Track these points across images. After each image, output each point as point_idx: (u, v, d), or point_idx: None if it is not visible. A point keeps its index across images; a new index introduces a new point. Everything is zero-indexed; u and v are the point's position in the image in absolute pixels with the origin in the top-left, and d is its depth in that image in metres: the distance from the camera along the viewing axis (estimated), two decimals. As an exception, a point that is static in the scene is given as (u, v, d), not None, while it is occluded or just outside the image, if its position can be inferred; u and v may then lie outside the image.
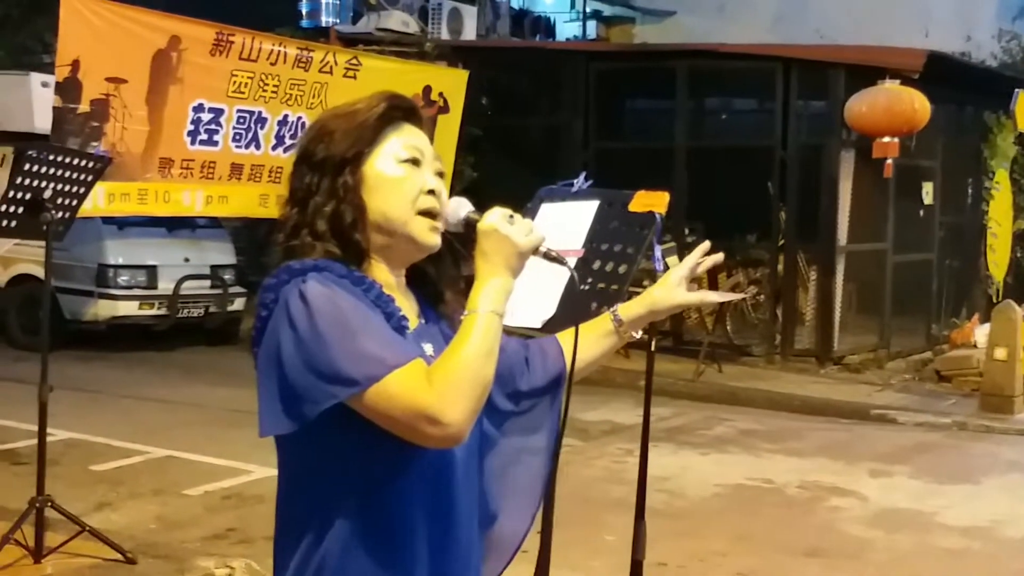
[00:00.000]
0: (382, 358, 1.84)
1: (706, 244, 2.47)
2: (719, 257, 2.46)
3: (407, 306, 2.04)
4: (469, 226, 2.02)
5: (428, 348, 2.03)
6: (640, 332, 2.41)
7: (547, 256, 2.02)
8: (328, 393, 1.84)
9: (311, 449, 1.93)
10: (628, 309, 2.37)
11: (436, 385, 1.83)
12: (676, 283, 2.38)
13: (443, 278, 2.14)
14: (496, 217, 1.97)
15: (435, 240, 2.03)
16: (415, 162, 2.02)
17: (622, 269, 3.29)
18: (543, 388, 2.28)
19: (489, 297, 1.93)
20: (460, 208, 2.04)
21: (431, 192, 2.02)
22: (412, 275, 2.11)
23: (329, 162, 2.00)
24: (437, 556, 1.99)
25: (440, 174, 2.07)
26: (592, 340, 2.32)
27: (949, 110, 13.63)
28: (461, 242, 2.09)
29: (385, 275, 2.02)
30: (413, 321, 2.04)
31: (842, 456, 8.83)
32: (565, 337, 2.35)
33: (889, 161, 11.55)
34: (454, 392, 1.83)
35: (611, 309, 2.37)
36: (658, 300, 2.37)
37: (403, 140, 2.03)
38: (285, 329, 1.87)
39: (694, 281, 2.43)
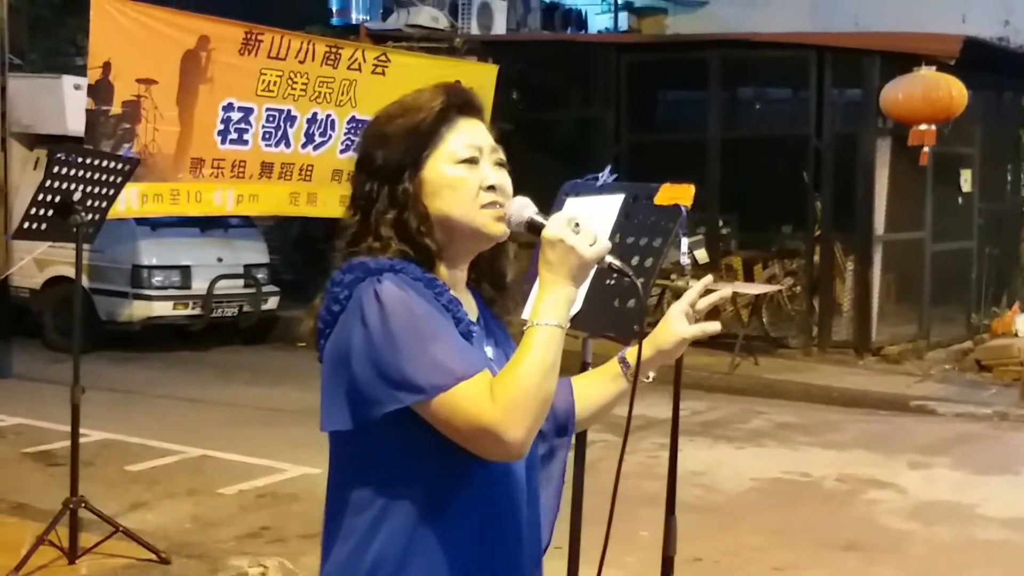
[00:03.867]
0: (451, 368, 1.84)
1: (708, 278, 2.37)
2: (726, 292, 2.39)
3: (469, 306, 2.04)
4: (532, 229, 2.00)
5: (489, 351, 2.04)
6: (651, 376, 2.31)
7: (611, 268, 1.99)
8: (394, 397, 1.85)
9: (375, 444, 1.93)
10: (635, 352, 2.27)
11: (499, 401, 1.83)
12: (675, 318, 2.28)
13: (502, 276, 2.14)
14: (561, 226, 1.94)
15: (502, 229, 2.02)
16: (473, 160, 2.01)
17: (648, 263, 3.24)
18: (546, 433, 2.19)
19: (552, 308, 1.92)
20: (524, 209, 2.02)
21: (491, 188, 2.01)
22: (470, 273, 2.10)
23: (387, 169, 1.99)
24: (499, 558, 1.99)
25: (500, 163, 2.04)
26: (598, 384, 2.28)
27: (987, 96, 13.45)
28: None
29: (448, 274, 2.02)
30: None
31: (881, 448, 8.73)
32: (579, 381, 2.31)
33: (926, 149, 11.42)
34: (516, 410, 1.83)
35: (619, 355, 2.30)
36: (660, 338, 2.28)
37: (460, 139, 2.01)
38: (357, 327, 1.88)
39: (717, 282, 2.35)
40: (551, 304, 1.92)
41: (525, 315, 2.23)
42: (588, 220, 1.98)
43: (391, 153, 1.99)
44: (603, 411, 2.30)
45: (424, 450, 1.91)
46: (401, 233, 1.97)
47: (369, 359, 1.86)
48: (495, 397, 1.84)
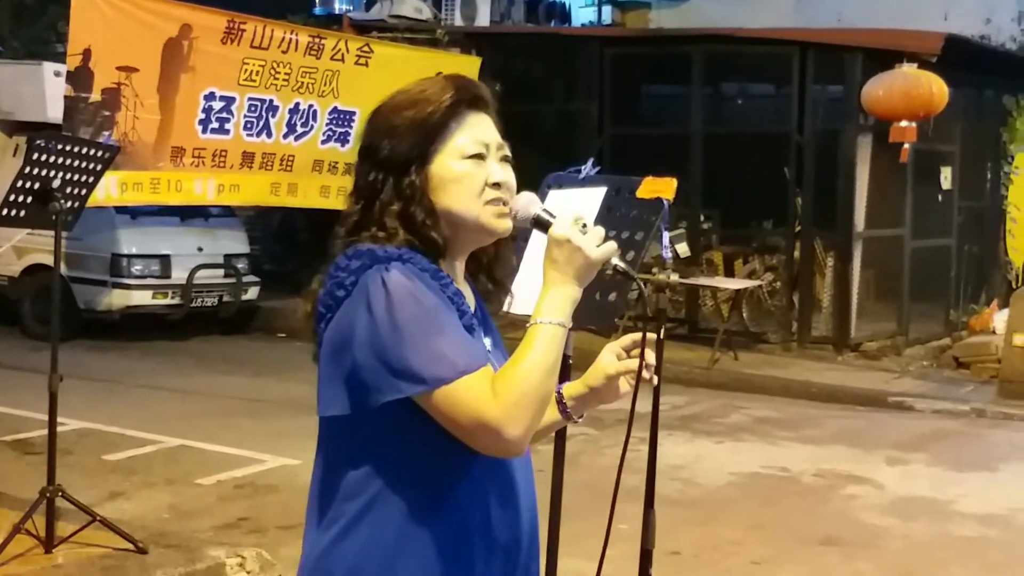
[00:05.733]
0: (454, 361, 1.85)
1: (633, 336, 2.19)
2: (649, 359, 2.17)
3: (468, 298, 2.04)
4: (539, 226, 2.01)
5: (487, 342, 2.04)
6: (582, 417, 2.27)
7: (616, 270, 1.99)
8: (394, 386, 1.86)
9: (372, 431, 1.93)
10: (570, 387, 2.26)
11: (501, 397, 1.84)
12: (605, 356, 2.21)
13: (506, 269, 2.14)
14: (569, 225, 1.94)
15: (506, 226, 2.02)
16: (480, 156, 2.01)
17: (630, 256, 3.25)
18: None
19: (556, 307, 1.92)
20: (531, 205, 2.02)
21: (496, 185, 2.01)
22: (468, 265, 2.11)
23: (393, 161, 1.99)
24: (497, 553, 1.99)
25: (506, 159, 2.05)
26: None
27: (968, 94, 13.51)
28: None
29: (448, 267, 2.02)
30: None
31: (859, 444, 8.77)
32: None
33: (906, 146, 11.45)
34: (517, 407, 1.84)
35: (557, 388, 2.23)
36: (590, 376, 2.23)
37: (468, 134, 2.01)
38: (363, 314, 1.88)
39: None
40: (555, 303, 1.93)
41: (507, 308, 2.22)
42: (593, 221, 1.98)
43: (398, 145, 1.99)
44: (537, 435, 2.23)
45: (421, 441, 1.92)
46: (407, 225, 1.97)
47: (372, 347, 1.86)
48: (497, 393, 1.84)
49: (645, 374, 2.13)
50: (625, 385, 2.19)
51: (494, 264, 2.13)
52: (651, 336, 2.21)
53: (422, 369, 1.84)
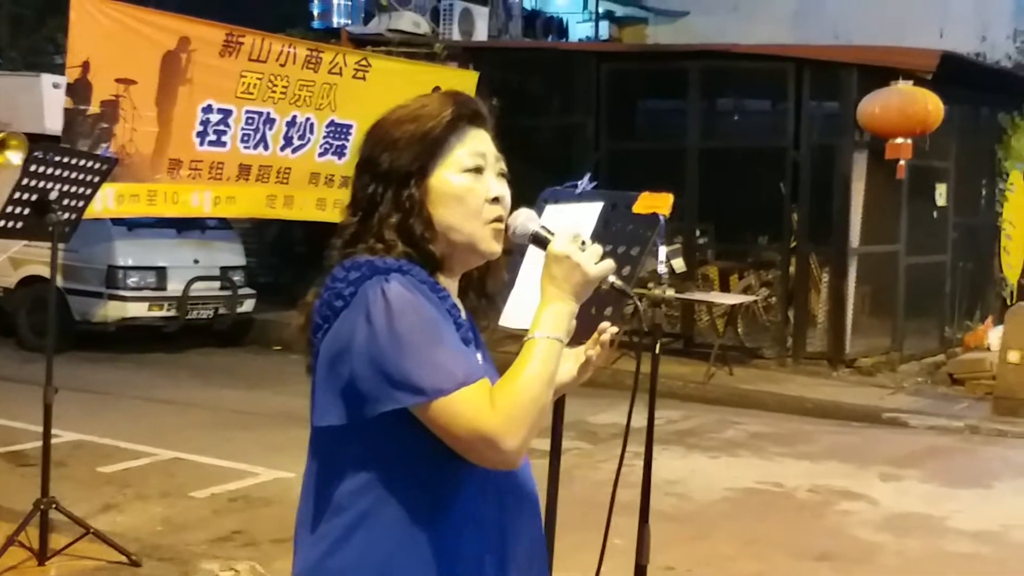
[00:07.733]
0: (452, 372, 1.86)
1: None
2: (606, 334, 2.32)
3: (462, 313, 2.06)
4: (538, 242, 2.03)
5: (479, 357, 2.05)
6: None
7: (613, 287, 2.04)
8: (393, 397, 1.86)
9: (366, 444, 1.93)
10: None
11: (499, 409, 1.85)
12: (570, 358, 2.32)
13: (494, 286, 2.16)
14: (568, 242, 1.97)
15: (498, 248, 2.05)
16: (478, 169, 2.03)
17: (626, 271, 3.25)
18: None
19: (553, 322, 1.95)
20: (529, 222, 2.05)
21: (495, 200, 2.03)
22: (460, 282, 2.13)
23: (393, 173, 2.00)
24: (488, 566, 1.99)
25: (503, 174, 2.07)
26: None
27: (963, 111, 13.55)
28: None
29: (446, 281, 2.03)
30: None
31: (853, 460, 8.77)
32: None
33: (902, 162, 11.49)
34: (516, 419, 1.85)
35: None
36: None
37: (467, 148, 2.03)
38: (362, 324, 1.88)
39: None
40: (553, 318, 1.95)
41: (502, 323, 2.24)
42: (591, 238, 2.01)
43: (398, 158, 2.00)
44: None
45: (417, 453, 1.92)
46: (405, 238, 1.99)
47: (371, 357, 1.86)
48: (495, 405, 1.85)
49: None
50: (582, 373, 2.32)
51: (485, 279, 2.14)
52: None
53: (421, 380, 1.85)
